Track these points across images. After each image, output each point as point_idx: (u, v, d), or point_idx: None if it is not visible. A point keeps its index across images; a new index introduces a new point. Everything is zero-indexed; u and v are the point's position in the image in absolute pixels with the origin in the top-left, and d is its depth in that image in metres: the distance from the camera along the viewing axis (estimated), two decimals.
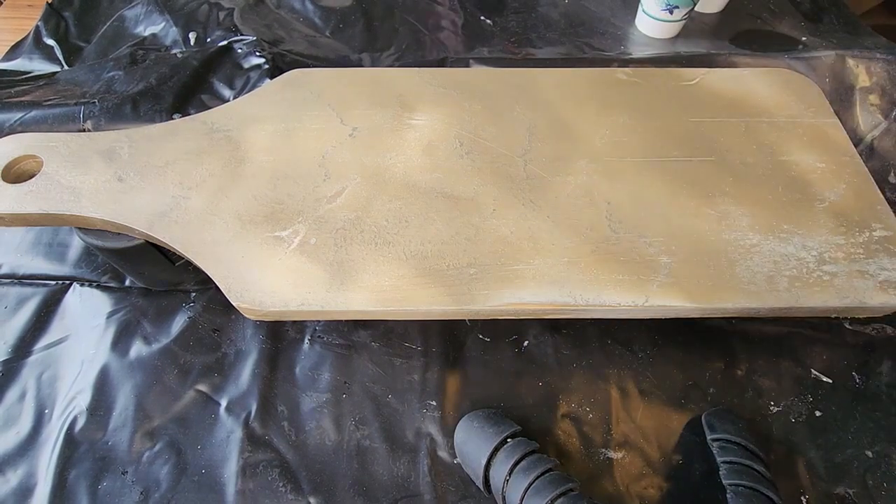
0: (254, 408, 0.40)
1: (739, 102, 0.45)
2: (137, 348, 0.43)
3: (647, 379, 0.42)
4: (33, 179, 0.39)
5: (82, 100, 0.54)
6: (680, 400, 0.41)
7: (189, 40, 0.63)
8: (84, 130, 0.52)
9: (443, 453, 0.39)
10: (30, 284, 0.46)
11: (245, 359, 0.43)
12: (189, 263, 0.39)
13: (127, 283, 0.46)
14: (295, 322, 0.44)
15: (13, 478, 0.38)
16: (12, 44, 0.63)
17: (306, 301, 0.35)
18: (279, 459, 0.39)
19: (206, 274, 0.36)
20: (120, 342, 0.43)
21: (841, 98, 0.55)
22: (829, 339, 0.43)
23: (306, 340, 0.43)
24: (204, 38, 0.63)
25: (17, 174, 0.40)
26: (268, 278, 0.35)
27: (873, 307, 0.36)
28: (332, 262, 0.36)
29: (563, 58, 0.62)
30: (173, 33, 0.63)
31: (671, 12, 0.60)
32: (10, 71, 0.61)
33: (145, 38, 0.63)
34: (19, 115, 0.52)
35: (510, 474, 0.34)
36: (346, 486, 0.38)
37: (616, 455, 0.39)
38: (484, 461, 0.35)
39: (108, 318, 0.44)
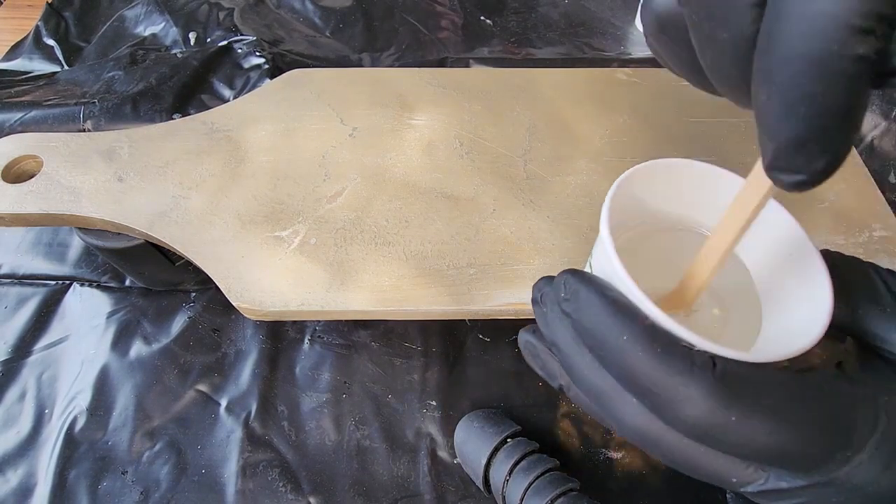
0: (254, 408, 0.40)
1: None
2: (137, 348, 0.43)
3: None
4: (33, 179, 0.39)
5: (82, 100, 0.54)
6: None
7: (189, 40, 0.63)
8: (84, 130, 0.52)
9: (443, 453, 0.39)
10: (30, 284, 0.46)
11: (245, 359, 0.43)
12: (189, 263, 0.39)
13: (127, 283, 0.46)
14: (295, 322, 0.44)
15: (13, 478, 0.38)
16: (12, 44, 0.63)
17: (306, 301, 0.35)
18: (279, 459, 0.39)
19: (206, 274, 0.36)
20: (120, 342, 0.43)
21: None
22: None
23: (306, 340, 0.43)
24: (204, 38, 0.63)
25: (17, 174, 0.40)
26: (268, 278, 0.35)
27: None
28: (332, 262, 0.36)
29: (563, 58, 0.62)
30: (173, 33, 0.63)
31: None
32: (10, 71, 0.61)
33: (145, 38, 0.64)
34: (19, 115, 0.52)
35: (510, 474, 0.34)
36: (345, 486, 0.38)
37: (616, 455, 0.39)
38: (484, 461, 0.36)
39: (108, 318, 0.44)
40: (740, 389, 0.16)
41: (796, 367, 0.18)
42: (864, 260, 0.20)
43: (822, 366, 0.18)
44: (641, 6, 0.15)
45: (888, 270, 0.19)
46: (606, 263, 0.19)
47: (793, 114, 0.12)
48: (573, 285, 0.19)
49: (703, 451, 0.18)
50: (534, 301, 0.22)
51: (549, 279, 0.21)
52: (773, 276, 0.21)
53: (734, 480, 0.18)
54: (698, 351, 0.16)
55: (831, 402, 0.16)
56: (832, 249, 0.20)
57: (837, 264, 0.19)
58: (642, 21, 0.16)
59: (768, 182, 0.15)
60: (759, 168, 0.16)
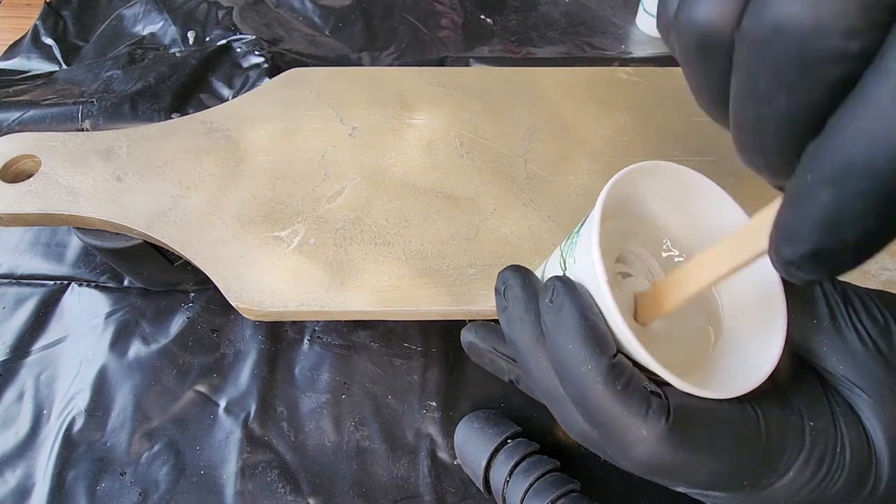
0: (253, 408, 0.40)
1: None
2: (136, 349, 0.43)
3: None
4: (31, 179, 0.39)
5: (80, 99, 0.53)
6: None
7: (188, 39, 0.63)
8: (82, 130, 0.52)
9: (443, 454, 0.39)
10: (28, 284, 0.46)
11: (244, 359, 0.42)
12: (188, 263, 0.39)
13: (125, 283, 0.46)
14: (294, 322, 0.44)
15: (11, 479, 0.38)
16: (10, 43, 0.63)
17: (306, 301, 0.34)
18: (278, 460, 0.38)
19: (204, 274, 0.36)
20: (118, 342, 0.43)
21: None
22: None
23: (305, 341, 0.43)
24: (203, 37, 0.63)
25: (16, 174, 0.40)
26: (267, 278, 0.35)
27: None
28: (331, 262, 0.36)
29: (563, 57, 0.62)
30: (172, 32, 0.63)
31: None
32: (8, 70, 0.61)
33: (144, 37, 0.63)
34: (17, 114, 0.52)
35: (510, 475, 0.34)
36: (345, 487, 0.38)
37: None
38: (484, 462, 0.35)
39: (106, 318, 0.44)
40: (688, 435, 0.16)
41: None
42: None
43: None
44: (676, 6, 0.13)
45: (831, 281, 0.19)
46: (592, 283, 0.18)
47: (848, 226, 0.11)
48: (561, 296, 0.18)
49: None
50: (496, 291, 0.21)
51: (516, 270, 0.21)
52: (730, 293, 0.21)
53: (666, 481, 0.19)
54: (655, 394, 0.17)
55: (766, 433, 0.17)
56: None
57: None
58: (673, 24, 0.13)
59: (764, 246, 0.13)
60: (761, 227, 0.15)
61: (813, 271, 0.12)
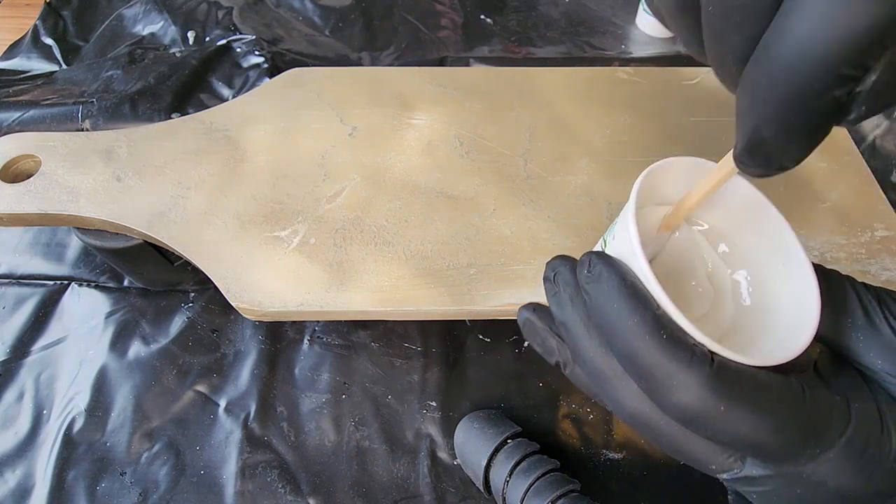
0: (253, 408, 0.40)
1: None
2: (136, 349, 0.43)
3: None
4: (31, 179, 0.39)
5: (80, 99, 0.53)
6: None
7: (188, 39, 0.63)
8: (82, 130, 0.52)
9: (443, 454, 0.39)
10: (28, 284, 0.46)
11: (244, 359, 0.42)
12: (188, 263, 0.39)
13: (125, 283, 0.46)
14: (294, 322, 0.44)
15: (11, 479, 0.38)
16: (10, 43, 0.63)
17: (305, 301, 0.34)
18: (278, 460, 0.38)
19: (204, 274, 0.36)
20: (118, 342, 0.43)
21: None
22: None
23: (305, 341, 0.43)
24: (203, 37, 0.63)
25: (16, 174, 0.40)
26: (267, 278, 0.35)
27: None
28: (331, 262, 0.36)
29: (563, 57, 0.62)
30: (172, 32, 0.63)
31: None
32: (9, 70, 0.61)
33: (144, 37, 0.63)
34: (17, 114, 0.52)
35: (510, 475, 0.34)
36: (345, 487, 0.38)
37: (617, 455, 0.38)
38: (484, 462, 0.35)
39: (106, 318, 0.44)
40: (732, 384, 0.17)
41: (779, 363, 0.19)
42: (842, 273, 0.21)
43: (799, 363, 0.19)
44: None
45: (864, 284, 0.20)
46: (629, 252, 0.20)
47: (764, 127, 0.14)
48: (598, 266, 0.20)
49: (689, 437, 0.19)
50: (546, 279, 0.22)
51: (563, 258, 0.22)
52: (767, 282, 0.23)
53: (713, 467, 0.20)
54: (700, 346, 0.18)
55: (811, 403, 0.18)
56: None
57: (818, 276, 0.20)
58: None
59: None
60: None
61: (758, 164, 0.15)
